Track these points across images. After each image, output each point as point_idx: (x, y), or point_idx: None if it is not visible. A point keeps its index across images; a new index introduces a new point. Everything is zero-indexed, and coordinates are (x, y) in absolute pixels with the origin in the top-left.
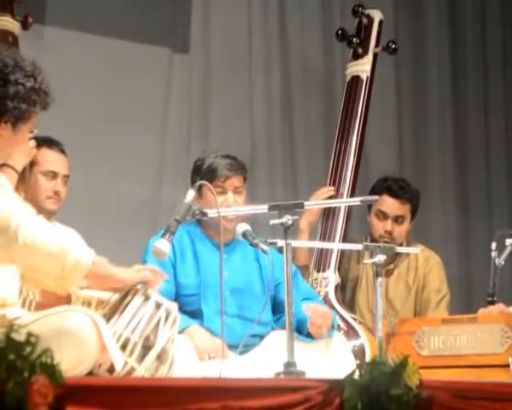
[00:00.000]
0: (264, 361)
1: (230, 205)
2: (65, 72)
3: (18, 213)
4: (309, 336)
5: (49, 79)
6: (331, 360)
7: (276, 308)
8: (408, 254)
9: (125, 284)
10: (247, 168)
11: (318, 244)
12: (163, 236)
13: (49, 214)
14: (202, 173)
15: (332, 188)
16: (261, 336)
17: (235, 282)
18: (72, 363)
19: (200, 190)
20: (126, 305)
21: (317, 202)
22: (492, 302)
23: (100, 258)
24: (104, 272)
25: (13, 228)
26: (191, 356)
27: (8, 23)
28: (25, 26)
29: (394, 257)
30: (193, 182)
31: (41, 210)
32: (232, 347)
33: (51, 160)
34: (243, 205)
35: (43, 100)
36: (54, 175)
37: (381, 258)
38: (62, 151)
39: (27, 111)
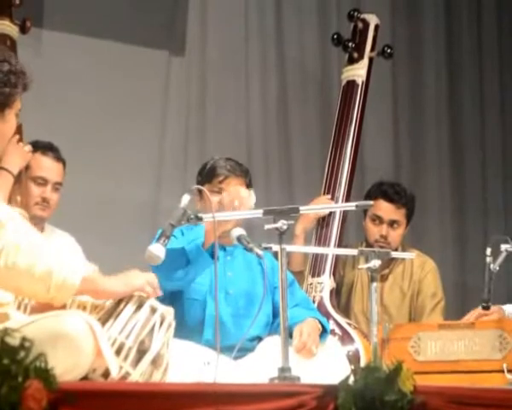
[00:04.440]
0: (258, 366)
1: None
2: (62, 75)
3: (2, 234)
4: None
5: (47, 83)
6: (325, 365)
7: (273, 312)
8: (403, 260)
9: (118, 297)
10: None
11: (313, 249)
12: (158, 240)
13: (39, 221)
14: (203, 174)
15: (330, 198)
16: (260, 338)
17: (239, 284)
18: (67, 367)
19: (200, 192)
20: (121, 310)
21: (312, 207)
22: (487, 308)
23: (91, 272)
24: (95, 288)
25: None
26: (186, 361)
27: (7, 27)
28: (23, 30)
29: (389, 262)
30: (197, 183)
31: (30, 216)
32: (230, 349)
33: (43, 166)
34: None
35: (23, 81)
36: (44, 182)
37: (376, 263)
38: (57, 158)
39: (11, 94)
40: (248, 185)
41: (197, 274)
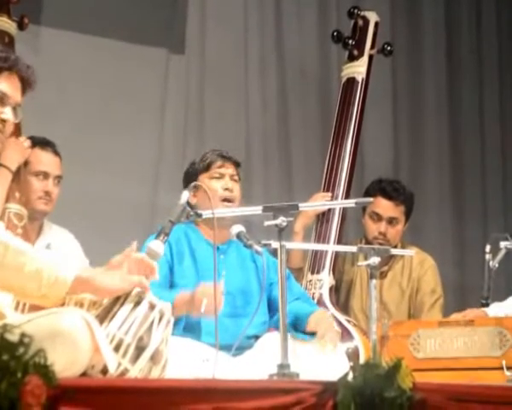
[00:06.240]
0: (258, 362)
1: (230, 188)
2: (61, 72)
3: None
4: (305, 333)
5: (45, 79)
6: (324, 362)
7: (270, 307)
8: (402, 257)
9: (116, 294)
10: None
11: (313, 246)
12: (157, 237)
13: (40, 215)
14: (197, 168)
15: (329, 194)
16: (257, 337)
17: (233, 282)
18: (66, 364)
19: (196, 188)
20: (120, 306)
21: (311, 204)
22: (487, 305)
23: (87, 270)
24: (90, 286)
25: None
26: (185, 357)
27: (5, 23)
28: (21, 26)
29: (388, 259)
30: (186, 183)
31: (33, 210)
32: (228, 347)
33: (43, 160)
34: (239, 194)
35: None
36: (45, 175)
37: (375, 260)
38: (55, 152)
39: None
40: (239, 176)
41: None
